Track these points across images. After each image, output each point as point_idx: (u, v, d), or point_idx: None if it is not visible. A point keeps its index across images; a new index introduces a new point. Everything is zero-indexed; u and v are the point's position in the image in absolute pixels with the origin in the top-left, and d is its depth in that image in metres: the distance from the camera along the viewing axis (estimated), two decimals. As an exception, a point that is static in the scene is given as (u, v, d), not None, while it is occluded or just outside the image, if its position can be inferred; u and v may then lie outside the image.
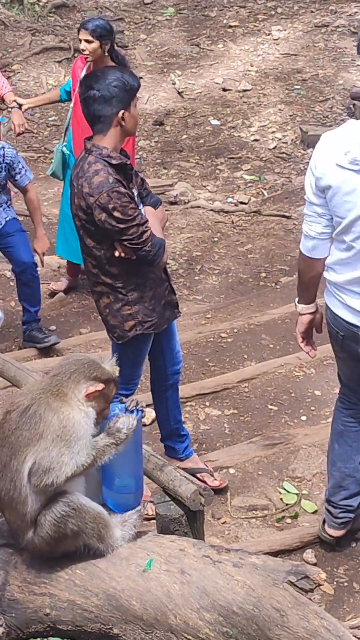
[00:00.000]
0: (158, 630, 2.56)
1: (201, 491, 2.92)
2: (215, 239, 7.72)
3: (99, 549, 2.64)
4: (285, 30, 11.91)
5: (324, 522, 3.88)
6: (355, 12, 12.12)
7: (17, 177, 5.43)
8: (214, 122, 10.05)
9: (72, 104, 5.99)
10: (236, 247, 7.55)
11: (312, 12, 12.38)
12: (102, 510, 2.67)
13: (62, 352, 5.68)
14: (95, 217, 3.56)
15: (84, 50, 5.65)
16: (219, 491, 4.29)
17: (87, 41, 5.59)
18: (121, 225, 3.56)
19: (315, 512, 4.20)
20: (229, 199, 8.55)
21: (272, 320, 5.92)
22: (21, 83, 10.77)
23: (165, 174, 9.09)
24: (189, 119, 10.19)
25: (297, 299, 3.62)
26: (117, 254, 3.64)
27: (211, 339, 5.75)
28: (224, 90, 10.67)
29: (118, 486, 2.75)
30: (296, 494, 4.31)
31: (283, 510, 4.23)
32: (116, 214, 3.54)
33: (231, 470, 4.50)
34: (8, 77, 10.21)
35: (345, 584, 3.82)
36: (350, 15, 12.07)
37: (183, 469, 3.37)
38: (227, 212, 8.29)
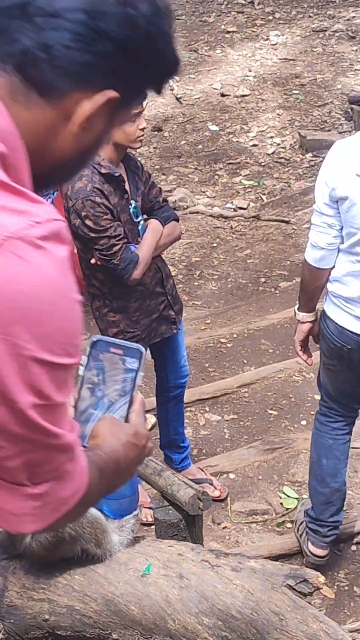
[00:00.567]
0: (157, 635, 2.55)
1: (200, 496, 2.92)
2: (215, 245, 7.73)
3: (97, 554, 2.64)
4: (283, 35, 11.94)
5: (307, 541, 3.77)
6: (353, 17, 12.15)
7: None
8: (213, 127, 10.07)
9: None
10: (235, 253, 7.56)
11: (310, 17, 12.41)
12: (100, 515, 2.66)
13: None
14: (71, 221, 3.58)
15: None
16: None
17: None
18: (92, 234, 3.56)
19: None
20: (228, 204, 8.56)
21: (272, 325, 5.92)
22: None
23: (164, 179, 9.10)
24: (188, 125, 10.21)
25: (297, 307, 3.59)
26: (92, 261, 3.66)
27: (211, 344, 5.76)
28: (223, 95, 10.70)
29: (112, 491, 2.75)
30: (296, 498, 4.31)
31: (283, 515, 4.23)
32: (88, 222, 3.54)
33: (231, 475, 4.50)
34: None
35: (346, 587, 3.82)
36: (348, 19, 12.10)
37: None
38: (226, 217, 8.30)
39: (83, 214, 3.53)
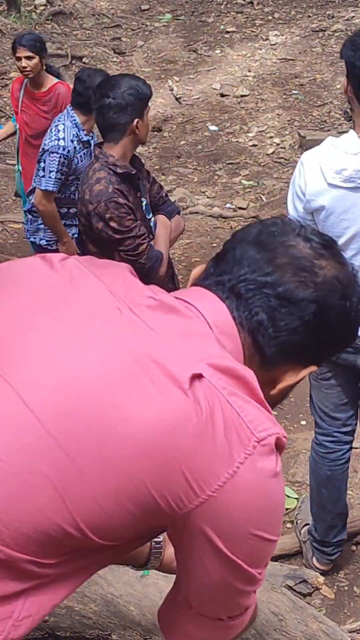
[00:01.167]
0: (156, 635, 2.55)
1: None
2: (214, 245, 7.72)
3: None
4: (282, 35, 11.94)
5: (313, 557, 3.75)
6: (353, 17, 12.15)
7: None
8: (212, 127, 10.07)
9: (17, 126, 5.75)
10: (235, 253, 7.56)
11: (309, 17, 12.41)
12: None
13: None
14: (93, 225, 3.56)
15: (25, 67, 5.39)
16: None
17: (28, 57, 5.36)
18: (117, 236, 3.54)
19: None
20: (228, 205, 8.56)
21: (271, 325, 5.92)
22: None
23: (164, 180, 9.09)
24: (187, 125, 10.21)
25: None
26: None
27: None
28: (222, 95, 10.70)
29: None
30: (296, 498, 4.30)
31: (283, 515, 4.22)
32: (113, 224, 3.52)
33: (231, 475, 4.49)
34: (5, 85, 10.21)
35: (346, 587, 3.81)
36: (347, 19, 12.10)
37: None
38: (225, 217, 8.29)
39: (107, 216, 3.50)
